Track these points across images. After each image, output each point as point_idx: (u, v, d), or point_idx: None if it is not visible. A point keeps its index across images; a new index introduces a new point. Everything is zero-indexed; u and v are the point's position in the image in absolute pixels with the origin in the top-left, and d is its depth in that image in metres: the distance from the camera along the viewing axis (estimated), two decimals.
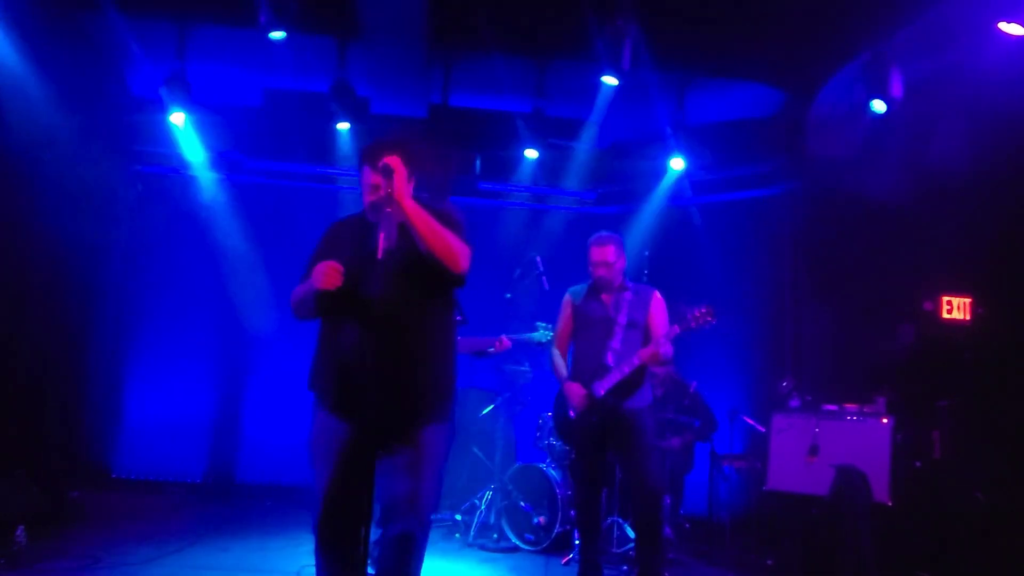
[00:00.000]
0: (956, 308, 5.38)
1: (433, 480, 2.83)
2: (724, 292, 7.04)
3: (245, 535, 5.77)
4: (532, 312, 5.84)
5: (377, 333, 2.69)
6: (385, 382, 2.70)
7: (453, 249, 2.79)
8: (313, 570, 2.92)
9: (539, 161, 7.30)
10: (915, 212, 5.70)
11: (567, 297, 4.73)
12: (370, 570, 2.95)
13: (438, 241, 2.76)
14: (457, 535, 6.06)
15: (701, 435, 6.06)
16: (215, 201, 7.55)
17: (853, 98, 5.87)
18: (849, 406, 5.27)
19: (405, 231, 2.80)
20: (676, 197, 7.50)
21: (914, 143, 5.73)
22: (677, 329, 4.29)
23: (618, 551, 5.41)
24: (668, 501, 5.40)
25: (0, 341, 5.88)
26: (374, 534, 2.87)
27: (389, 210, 2.72)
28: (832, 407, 5.32)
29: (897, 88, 5.43)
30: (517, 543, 5.78)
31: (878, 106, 5.61)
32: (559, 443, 5.84)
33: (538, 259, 5.97)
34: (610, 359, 4.40)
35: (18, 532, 4.48)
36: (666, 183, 7.35)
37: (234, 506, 7.01)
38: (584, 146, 7.61)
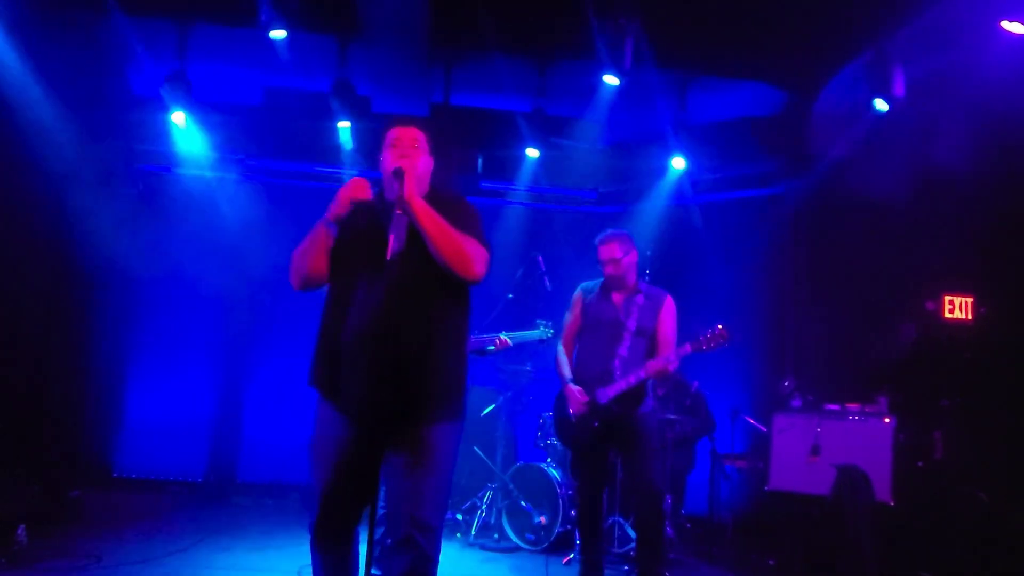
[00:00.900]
0: (958, 308, 5.37)
1: (442, 482, 2.74)
2: (726, 291, 7.03)
3: (246, 535, 5.77)
4: (534, 312, 5.84)
5: (382, 332, 2.64)
6: (387, 381, 2.65)
7: (465, 253, 2.73)
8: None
9: (540, 160, 7.29)
10: (917, 211, 5.69)
11: (578, 293, 4.66)
12: (375, 571, 2.92)
13: (450, 246, 2.71)
14: (458, 534, 6.06)
15: (697, 435, 6.05)
16: (216, 200, 7.54)
17: (855, 97, 5.86)
18: (851, 406, 5.26)
19: (416, 233, 2.72)
20: (677, 196, 7.49)
21: (916, 142, 5.72)
22: (688, 348, 4.23)
23: (619, 551, 5.40)
24: (669, 501, 5.39)
25: (1, 340, 5.88)
26: (378, 534, 2.83)
27: (399, 212, 2.69)
28: (834, 407, 5.32)
29: (899, 87, 5.43)
30: (518, 543, 5.77)
31: (880, 105, 5.61)
32: (560, 443, 5.83)
33: (540, 259, 5.96)
34: (616, 366, 4.34)
35: (19, 531, 4.49)
36: (668, 182, 7.35)
37: (235, 505, 7.02)
38: (586, 145, 7.60)
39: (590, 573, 4.46)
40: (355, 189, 2.81)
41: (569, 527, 5.56)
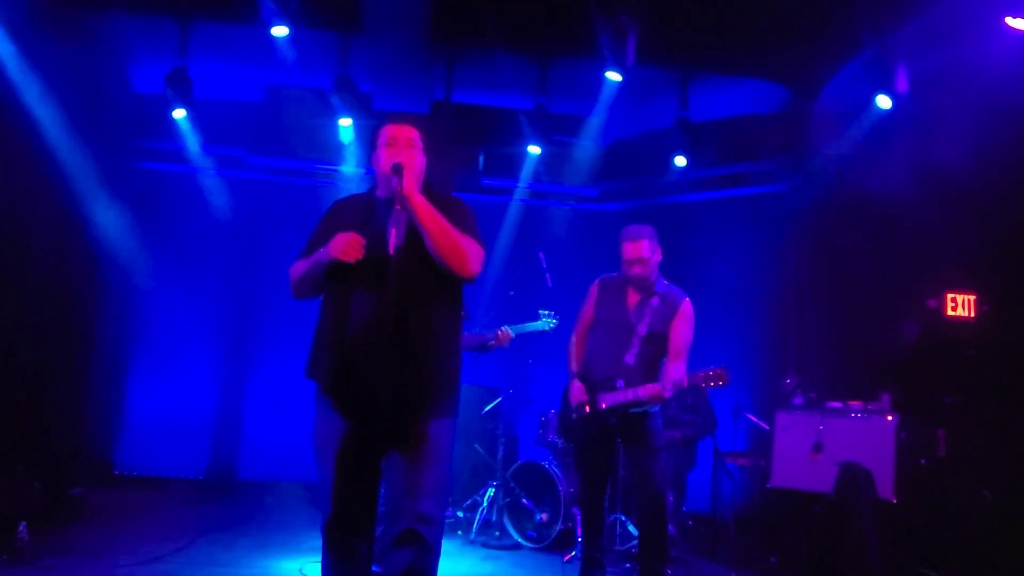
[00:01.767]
0: (961, 305, 5.36)
1: (442, 475, 2.74)
2: (728, 289, 7.02)
3: (247, 532, 5.77)
4: (535, 308, 5.83)
5: (388, 327, 2.63)
6: (388, 376, 2.65)
7: (462, 251, 2.74)
8: (314, 566, 2.88)
9: (542, 157, 7.29)
10: (920, 209, 5.67)
11: (595, 285, 4.52)
12: (376, 568, 2.92)
13: (448, 243, 2.71)
14: (459, 532, 6.05)
15: (699, 432, 6.03)
16: (217, 197, 7.54)
17: (858, 94, 5.85)
18: (853, 403, 5.25)
19: (415, 229, 2.73)
20: (679, 194, 7.48)
21: (919, 139, 5.70)
22: (685, 382, 4.07)
23: (621, 548, 5.39)
24: (671, 498, 5.38)
25: (2, 338, 5.88)
26: (378, 532, 2.83)
27: (399, 207, 2.68)
28: (836, 404, 5.31)
29: (902, 84, 5.42)
30: (519, 540, 5.77)
31: (883, 102, 5.59)
32: (562, 440, 5.82)
33: (541, 256, 5.95)
34: (621, 375, 4.23)
35: (20, 528, 4.48)
36: (669, 180, 7.33)
37: (236, 503, 7.01)
38: (587, 142, 7.59)
39: (592, 570, 4.44)
40: (351, 247, 2.70)
41: (570, 524, 5.55)
